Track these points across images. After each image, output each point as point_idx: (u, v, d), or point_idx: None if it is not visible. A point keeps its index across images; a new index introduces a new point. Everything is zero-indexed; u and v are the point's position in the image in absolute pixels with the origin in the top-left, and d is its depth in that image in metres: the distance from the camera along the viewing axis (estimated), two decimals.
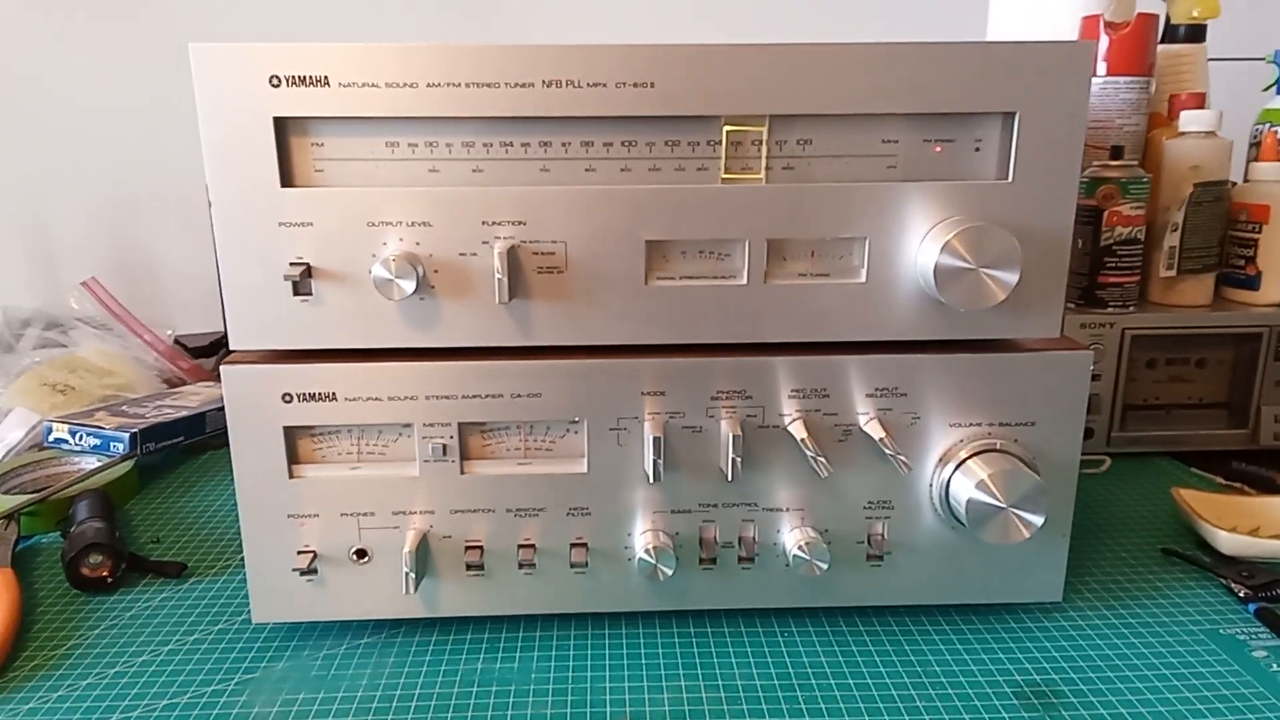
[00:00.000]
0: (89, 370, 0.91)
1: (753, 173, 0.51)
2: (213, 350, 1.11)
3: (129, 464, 0.77)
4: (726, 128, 0.50)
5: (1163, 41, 0.88)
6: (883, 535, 0.55)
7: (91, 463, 0.78)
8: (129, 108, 1.22)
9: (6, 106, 1.22)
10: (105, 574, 0.62)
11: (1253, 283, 0.83)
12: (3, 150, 1.23)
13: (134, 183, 1.24)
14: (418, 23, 1.22)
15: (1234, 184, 0.84)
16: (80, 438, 0.78)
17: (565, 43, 0.48)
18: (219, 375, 0.52)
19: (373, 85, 0.48)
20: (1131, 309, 0.81)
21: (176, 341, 1.08)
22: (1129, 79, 0.84)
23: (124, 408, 0.85)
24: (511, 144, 0.50)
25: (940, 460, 0.54)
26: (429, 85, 0.48)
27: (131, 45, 1.21)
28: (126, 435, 0.77)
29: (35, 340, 0.97)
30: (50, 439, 0.80)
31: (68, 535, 0.64)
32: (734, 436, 0.52)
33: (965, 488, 0.52)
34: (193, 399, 0.89)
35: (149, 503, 0.76)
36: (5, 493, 0.73)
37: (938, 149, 0.51)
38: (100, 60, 1.21)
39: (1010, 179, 0.51)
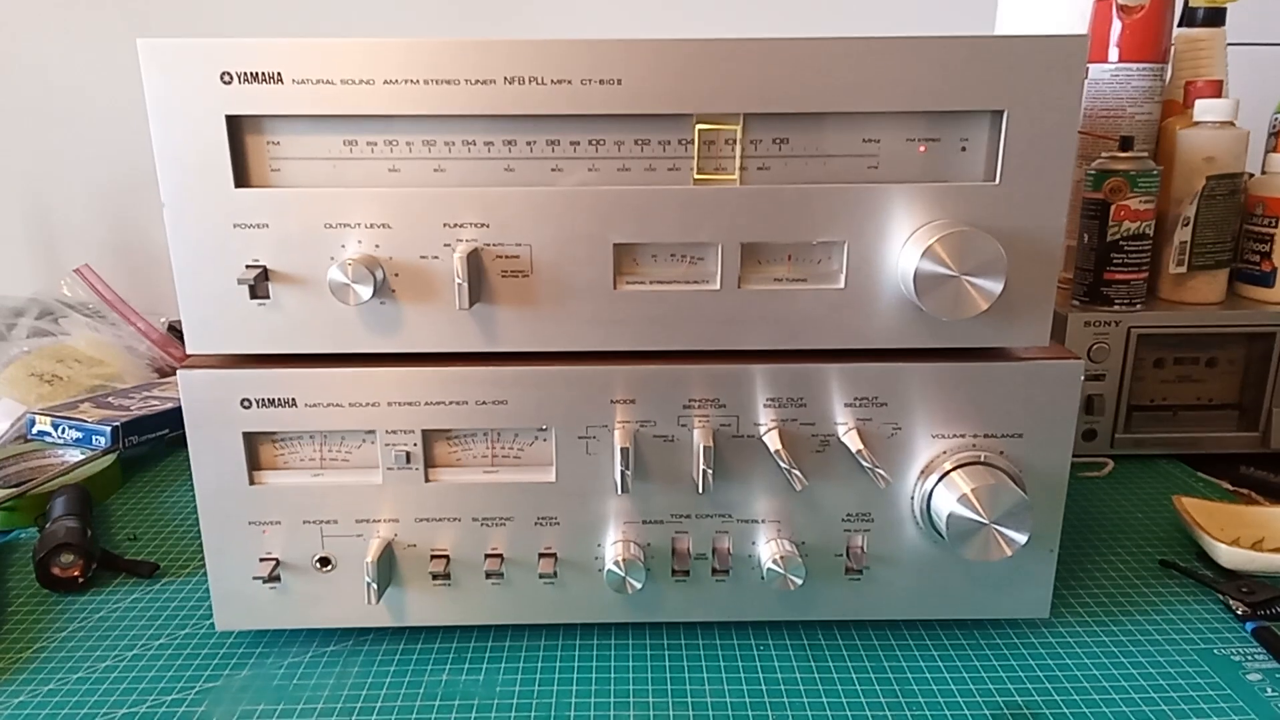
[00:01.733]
0: (78, 360, 0.90)
1: (726, 173, 0.49)
2: None
3: (111, 458, 0.76)
4: (699, 126, 0.48)
5: (1179, 25, 0.84)
6: (862, 548, 0.53)
7: (75, 455, 0.78)
8: (130, 94, 1.21)
9: (8, 94, 1.21)
10: (76, 574, 0.61)
11: (1268, 279, 0.80)
12: (4, 137, 1.23)
13: (134, 168, 1.23)
14: (401, 20, 1.20)
15: (1250, 176, 0.81)
16: (63, 430, 0.78)
17: (534, 38, 0.46)
18: None
19: (328, 82, 0.46)
20: (1139, 307, 0.78)
21: (170, 328, 1.08)
22: (1141, 66, 0.80)
23: (110, 399, 0.84)
24: (474, 142, 0.48)
25: (922, 472, 0.52)
26: (386, 82, 0.46)
27: (131, 31, 1.20)
28: (108, 429, 0.77)
29: (28, 329, 0.96)
30: (34, 431, 0.79)
31: (41, 533, 0.64)
32: (705, 448, 0.50)
33: (947, 502, 0.50)
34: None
35: (131, 497, 0.76)
36: None
37: (921, 149, 0.49)
38: (101, 47, 1.20)
39: (998, 181, 0.48)
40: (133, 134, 1.22)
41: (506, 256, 0.49)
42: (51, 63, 1.20)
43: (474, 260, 0.48)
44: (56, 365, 0.88)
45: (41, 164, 1.24)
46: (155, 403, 0.84)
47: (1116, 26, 0.80)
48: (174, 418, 0.82)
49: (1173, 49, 0.83)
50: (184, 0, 1.19)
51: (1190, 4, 0.85)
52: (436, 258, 0.49)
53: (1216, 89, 0.82)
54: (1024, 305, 0.50)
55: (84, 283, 1.02)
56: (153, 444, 0.81)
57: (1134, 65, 0.80)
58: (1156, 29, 0.80)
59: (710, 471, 0.50)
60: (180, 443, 0.85)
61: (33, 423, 0.79)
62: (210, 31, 1.21)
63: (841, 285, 0.50)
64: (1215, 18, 0.85)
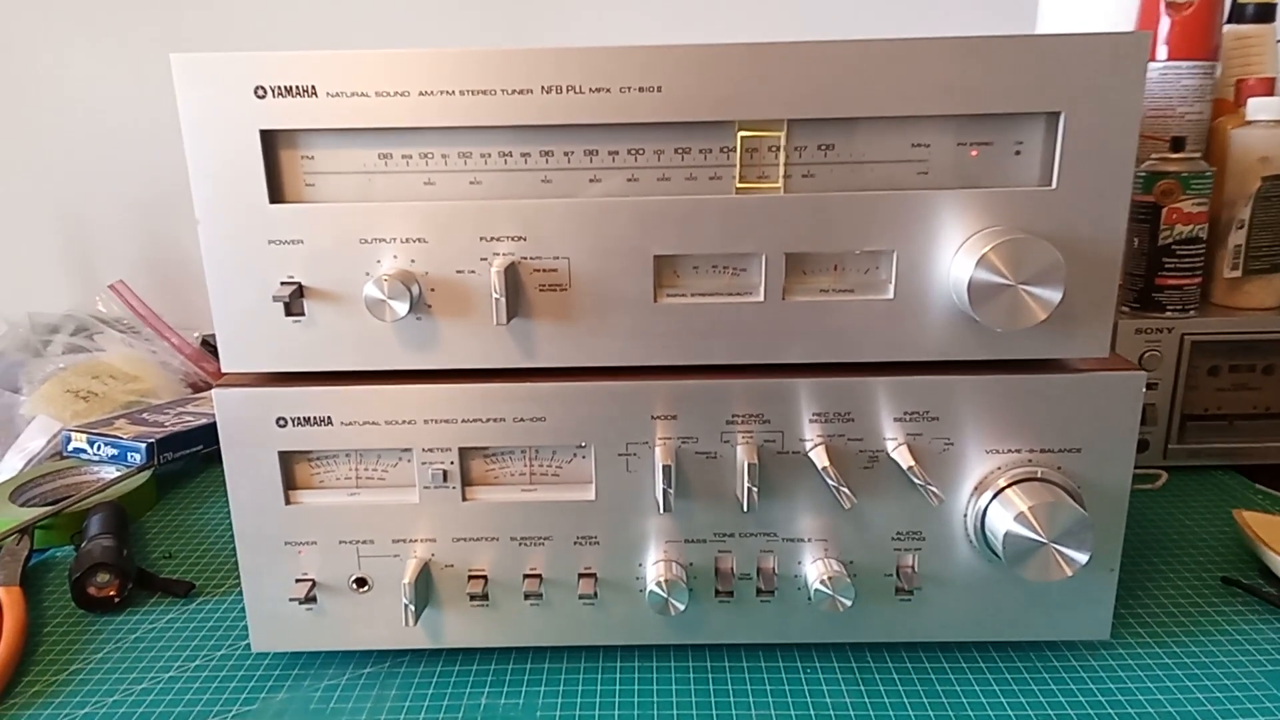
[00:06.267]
0: (113, 376, 0.91)
1: (770, 181, 0.47)
2: None
3: (146, 475, 0.76)
4: (741, 133, 0.47)
5: (1229, 22, 0.82)
6: (913, 568, 0.52)
7: (110, 472, 0.78)
8: (163, 108, 1.22)
9: (42, 109, 1.23)
10: (112, 594, 0.61)
11: None
12: (39, 153, 1.24)
13: (168, 182, 1.24)
14: (430, 30, 1.20)
15: None
16: (98, 447, 0.78)
17: (570, 45, 0.45)
18: None
19: (362, 95, 0.45)
20: (1192, 313, 0.75)
21: (204, 343, 1.08)
22: (1191, 64, 0.78)
23: (144, 415, 0.84)
24: (510, 154, 0.47)
25: (976, 489, 0.50)
26: (421, 94, 0.45)
27: (163, 46, 1.21)
28: (143, 445, 0.77)
29: (64, 346, 0.97)
30: (69, 448, 0.79)
31: (77, 551, 0.63)
32: (750, 465, 0.48)
33: (1003, 520, 0.48)
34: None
35: (166, 514, 0.76)
36: (23, 504, 0.73)
37: (974, 153, 0.47)
38: (134, 61, 1.21)
39: (1054, 185, 0.46)
40: (166, 149, 1.22)
41: (544, 270, 0.48)
42: (84, 78, 1.21)
43: (511, 274, 0.47)
44: (92, 381, 0.88)
45: (76, 180, 1.25)
46: (190, 418, 0.83)
47: (1165, 23, 0.78)
48: (209, 433, 0.82)
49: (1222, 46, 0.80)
50: (217, 14, 1.19)
51: (1239, 0, 0.83)
52: (473, 272, 0.48)
53: (1269, 87, 0.79)
54: (1082, 315, 0.48)
55: (119, 299, 1.02)
56: (187, 460, 0.81)
57: (1183, 63, 0.78)
58: (1206, 25, 0.78)
59: (755, 489, 0.48)
60: (215, 458, 0.85)
61: (68, 439, 0.79)
62: (243, 46, 1.21)
63: (890, 296, 0.48)
64: (1265, 14, 0.83)
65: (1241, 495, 0.74)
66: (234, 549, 0.69)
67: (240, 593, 0.62)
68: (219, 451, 0.50)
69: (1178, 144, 0.74)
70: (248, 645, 0.56)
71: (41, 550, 0.69)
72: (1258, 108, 0.75)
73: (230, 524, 0.73)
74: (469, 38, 1.20)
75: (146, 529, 0.73)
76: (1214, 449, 0.78)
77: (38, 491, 0.76)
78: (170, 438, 0.79)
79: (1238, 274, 0.76)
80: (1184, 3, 0.77)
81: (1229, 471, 0.78)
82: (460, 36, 1.19)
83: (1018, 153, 0.47)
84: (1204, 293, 0.78)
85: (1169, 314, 0.75)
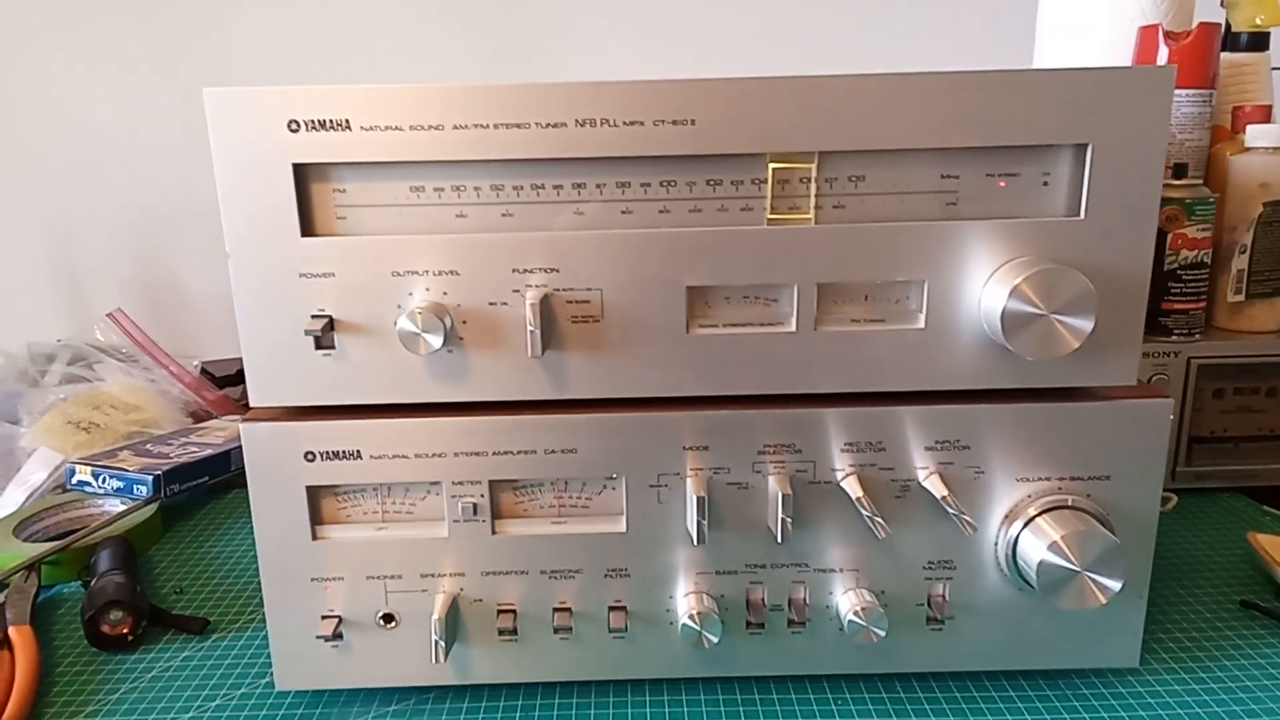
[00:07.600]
0: (114, 406, 0.89)
1: (801, 212, 0.48)
2: (239, 379, 1.09)
3: (153, 508, 0.75)
4: (772, 165, 0.47)
5: (1224, 50, 0.83)
6: (944, 597, 0.51)
7: (116, 505, 0.76)
8: (154, 134, 1.21)
9: (36, 134, 1.22)
10: (126, 631, 0.59)
11: None
12: (32, 178, 1.23)
13: (162, 206, 1.23)
14: (458, 64, 1.20)
15: None
16: (103, 480, 0.76)
17: (602, 79, 0.45)
18: (245, 406, 0.49)
19: (396, 128, 0.45)
20: (1197, 337, 0.76)
21: (203, 371, 1.07)
22: (1190, 92, 0.79)
23: (148, 446, 0.83)
24: (543, 186, 0.47)
25: (1006, 518, 0.50)
26: (455, 127, 0.45)
27: (161, 72, 1.20)
28: (150, 478, 0.75)
29: (61, 375, 0.95)
30: (73, 481, 0.78)
31: (88, 588, 0.62)
32: (784, 495, 0.48)
33: (1035, 549, 0.48)
34: (218, 435, 0.87)
35: (173, 548, 0.74)
36: (27, 539, 0.71)
37: (1002, 184, 0.48)
38: (130, 87, 1.20)
39: (1082, 215, 0.47)
40: (159, 175, 1.22)
41: (577, 301, 0.48)
42: (78, 104, 1.20)
43: (545, 306, 0.47)
44: (93, 412, 0.87)
45: (68, 207, 1.24)
46: (195, 449, 0.82)
47: (1163, 52, 0.79)
48: (214, 464, 0.81)
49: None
50: (216, 40, 1.19)
51: (1234, 29, 0.85)
52: (505, 304, 0.47)
53: (1266, 114, 0.81)
54: (1111, 343, 0.48)
55: (117, 327, 1.01)
56: (192, 492, 0.80)
57: (1182, 91, 0.79)
58: (1204, 54, 0.79)
59: (790, 520, 0.48)
60: (220, 490, 0.84)
61: (72, 472, 0.78)
62: (241, 70, 1.21)
63: (921, 325, 0.48)
64: (1259, 42, 0.84)
65: (1250, 518, 0.75)
66: (247, 583, 0.68)
67: (258, 629, 0.61)
68: (225, 483, 0.49)
69: (1180, 170, 0.75)
70: (269, 683, 0.55)
71: (48, 587, 0.68)
72: (1256, 135, 0.77)
73: (243, 557, 0.72)
74: (483, 70, 1.20)
75: (154, 564, 0.72)
76: (1221, 471, 0.79)
77: (41, 526, 0.74)
78: (177, 469, 0.77)
79: (1241, 298, 0.77)
80: (1182, 31, 0.79)
81: (1235, 494, 0.79)
82: (474, 69, 1.20)
83: (1045, 184, 0.48)
84: (1208, 317, 0.79)
85: (1175, 338, 0.76)
